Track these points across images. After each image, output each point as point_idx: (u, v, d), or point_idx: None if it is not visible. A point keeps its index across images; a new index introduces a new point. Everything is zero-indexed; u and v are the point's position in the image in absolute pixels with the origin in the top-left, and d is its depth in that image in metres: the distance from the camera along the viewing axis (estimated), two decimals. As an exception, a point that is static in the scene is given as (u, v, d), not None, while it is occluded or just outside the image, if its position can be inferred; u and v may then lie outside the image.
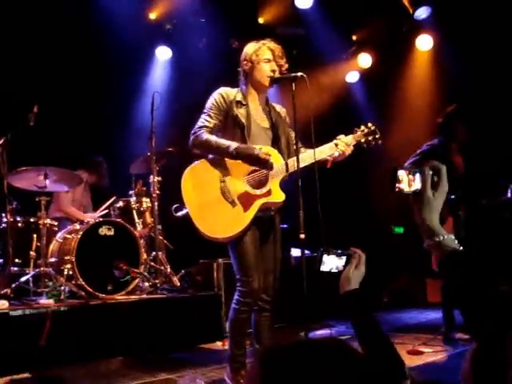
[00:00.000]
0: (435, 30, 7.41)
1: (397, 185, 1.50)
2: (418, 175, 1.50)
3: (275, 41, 3.58)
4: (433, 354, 4.29)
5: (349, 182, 7.86)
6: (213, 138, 3.39)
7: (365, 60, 7.99)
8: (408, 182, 1.50)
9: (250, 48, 3.54)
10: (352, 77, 8.23)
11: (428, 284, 7.41)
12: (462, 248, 1.46)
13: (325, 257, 1.95)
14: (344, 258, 1.93)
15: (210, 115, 3.46)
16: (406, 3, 7.09)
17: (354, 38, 7.92)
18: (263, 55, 3.48)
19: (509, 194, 5.18)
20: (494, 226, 4.93)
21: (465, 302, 1.38)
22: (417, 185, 1.51)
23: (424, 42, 7.60)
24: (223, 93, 3.50)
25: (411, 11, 7.15)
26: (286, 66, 3.52)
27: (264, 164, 3.34)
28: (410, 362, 3.88)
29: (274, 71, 3.46)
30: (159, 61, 7.35)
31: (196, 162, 3.48)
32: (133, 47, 6.58)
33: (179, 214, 4.73)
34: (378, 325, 1.78)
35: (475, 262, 1.40)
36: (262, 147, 3.39)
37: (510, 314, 1.26)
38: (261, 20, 7.22)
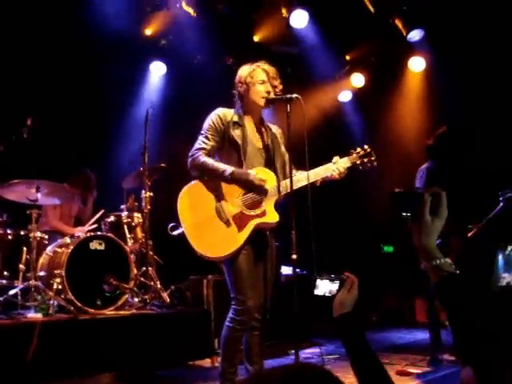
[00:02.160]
0: (428, 51, 7.50)
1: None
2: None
3: (269, 62, 3.63)
4: (421, 375, 4.30)
5: (338, 200, 7.89)
6: (209, 162, 3.43)
7: (358, 80, 8.07)
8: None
9: (244, 70, 3.59)
10: (345, 96, 8.31)
11: (416, 303, 7.43)
12: (458, 272, 1.49)
13: (318, 281, 1.97)
14: (337, 282, 1.96)
15: (207, 137, 3.50)
16: (400, 25, 7.18)
17: (348, 57, 8.00)
18: (258, 77, 3.53)
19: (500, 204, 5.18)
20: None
21: (458, 324, 1.40)
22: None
23: (416, 64, 7.69)
24: (220, 114, 3.54)
25: (404, 33, 7.24)
26: (281, 86, 3.57)
27: (258, 189, 3.39)
28: (399, 382, 3.88)
29: (268, 92, 3.50)
30: (154, 76, 7.38)
31: (192, 183, 3.52)
32: (128, 62, 6.61)
33: (175, 233, 4.74)
34: (370, 348, 1.80)
35: (471, 286, 1.43)
36: (258, 171, 3.43)
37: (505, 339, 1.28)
38: (256, 38, 7.28)
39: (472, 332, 1.36)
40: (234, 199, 3.42)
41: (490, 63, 6.67)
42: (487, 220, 4.83)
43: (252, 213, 3.42)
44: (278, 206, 3.48)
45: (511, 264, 1.61)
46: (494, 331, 1.36)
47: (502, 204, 4.84)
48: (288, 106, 3.38)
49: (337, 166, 3.50)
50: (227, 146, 3.51)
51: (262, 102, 3.51)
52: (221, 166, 3.41)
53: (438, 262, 1.49)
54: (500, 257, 1.61)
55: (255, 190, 3.40)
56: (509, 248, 1.63)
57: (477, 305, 1.40)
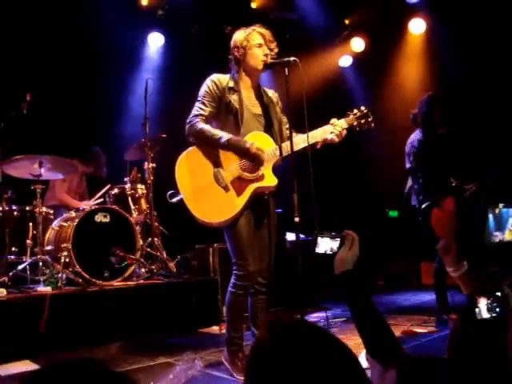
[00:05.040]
0: (427, 13, 7.40)
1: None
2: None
3: (264, 26, 3.59)
4: (426, 334, 4.36)
5: (343, 166, 7.90)
6: (207, 128, 3.42)
7: (357, 44, 8.00)
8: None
9: (240, 35, 3.56)
10: (345, 61, 8.23)
11: (422, 266, 7.48)
12: None
13: (319, 239, 1.99)
14: (338, 239, 1.98)
15: (203, 103, 3.48)
16: (398, -13, 7.08)
17: (347, 22, 7.91)
18: (254, 40, 3.50)
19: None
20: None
21: None
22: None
23: (416, 26, 7.60)
24: (216, 80, 3.52)
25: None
26: (277, 50, 3.53)
27: (254, 158, 3.38)
28: (404, 342, 3.93)
29: (266, 55, 3.48)
30: (152, 47, 7.33)
31: (189, 149, 3.51)
32: (125, 34, 6.55)
33: (174, 200, 4.75)
34: (372, 303, 1.82)
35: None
36: (255, 135, 3.44)
37: None
38: (253, 5, 7.20)
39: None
40: (232, 164, 3.42)
41: (490, 24, 6.59)
42: (480, 180, 4.84)
43: (250, 177, 3.42)
44: (279, 171, 3.49)
45: (502, 222, 1.64)
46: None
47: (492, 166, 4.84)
48: (286, 69, 3.35)
49: (335, 128, 3.49)
50: (224, 112, 3.49)
51: (260, 66, 3.49)
52: (218, 132, 3.40)
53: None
54: (491, 215, 1.63)
55: (251, 158, 3.39)
56: (500, 206, 1.65)
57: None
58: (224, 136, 3.37)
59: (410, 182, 5.03)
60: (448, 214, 1.81)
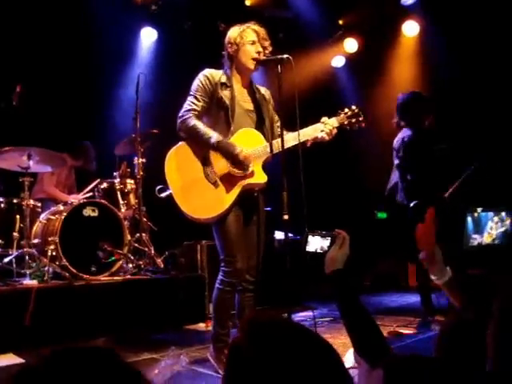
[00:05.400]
0: (421, 16, 7.43)
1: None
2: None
3: (259, 23, 3.58)
4: (411, 335, 4.37)
5: (333, 165, 7.91)
6: (198, 126, 3.40)
7: (351, 45, 8.00)
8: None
9: (234, 31, 3.56)
10: (338, 61, 8.24)
11: (410, 268, 7.50)
12: None
13: (310, 237, 2.00)
14: (329, 238, 1.98)
15: (196, 97, 3.47)
16: (393, -12, 7.10)
17: (341, 22, 7.91)
18: (248, 37, 3.49)
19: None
20: None
21: None
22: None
23: (410, 28, 7.62)
24: (208, 74, 3.51)
25: (398, -3, 7.16)
26: (270, 48, 3.54)
27: (240, 165, 3.38)
28: (390, 342, 3.94)
29: (259, 53, 3.48)
30: (145, 42, 7.30)
31: (179, 144, 3.50)
32: (118, 28, 6.52)
33: (163, 195, 4.72)
34: (361, 303, 1.83)
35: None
36: (245, 132, 3.44)
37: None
38: (248, 2, 7.19)
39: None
40: (222, 160, 3.41)
41: (484, 26, 6.62)
42: (459, 183, 4.89)
43: (240, 173, 3.41)
44: (268, 168, 3.49)
45: (481, 226, 1.65)
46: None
47: (473, 167, 4.87)
48: (279, 66, 3.35)
49: (325, 126, 3.49)
50: (215, 107, 3.49)
51: (252, 64, 3.48)
52: (208, 132, 3.38)
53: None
54: (469, 219, 1.64)
55: (236, 164, 3.39)
56: (478, 210, 1.66)
57: None
58: (214, 137, 3.36)
59: (395, 178, 5.04)
60: (428, 226, 1.81)
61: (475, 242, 1.63)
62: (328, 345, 1.12)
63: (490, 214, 1.55)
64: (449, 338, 1.22)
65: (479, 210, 1.57)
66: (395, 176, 5.01)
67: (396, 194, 4.96)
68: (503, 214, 1.58)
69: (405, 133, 4.84)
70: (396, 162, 4.89)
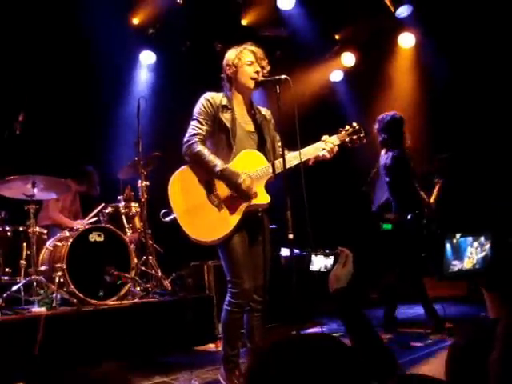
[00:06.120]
0: (417, 27, 7.49)
1: None
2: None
3: (256, 43, 3.63)
4: (423, 347, 4.36)
5: (336, 180, 7.91)
6: (204, 152, 3.42)
7: (348, 59, 8.05)
8: None
9: (231, 53, 3.60)
10: (336, 76, 8.29)
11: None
12: None
13: (313, 257, 2.00)
14: (332, 257, 1.99)
15: (199, 121, 3.49)
16: (388, 2, 7.15)
17: (337, 37, 7.97)
18: (245, 58, 3.53)
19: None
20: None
21: None
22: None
23: (406, 40, 7.67)
24: (210, 98, 3.54)
25: (393, 10, 7.21)
26: (269, 67, 3.57)
27: (243, 195, 3.40)
28: (400, 356, 3.93)
29: (257, 72, 3.51)
30: (143, 65, 7.36)
31: (182, 168, 3.53)
32: (117, 52, 6.58)
33: (167, 219, 4.76)
34: (367, 320, 1.83)
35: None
36: (247, 153, 3.47)
37: None
38: (244, 22, 7.25)
39: None
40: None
41: (478, 37, 6.68)
42: (438, 189, 5.49)
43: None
44: (272, 188, 3.50)
45: (460, 251, 1.66)
46: None
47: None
48: (277, 87, 3.39)
49: (326, 144, 3.51)
50: (217, 130, 3.51)
51: (251, 84, 3.51)
52: (213, 159, 3.39)
53: None
54: (448, 246, 1.64)
55: (239, 194, 3.41)
56: (457, 236, 1.66)
57: None
58: (218, 165, 3.38)
59: (385, 195, 5.31)
60: None
61: (455, 268, 1.65)
62: (348, 347, 1.13)
63: (469, 239, 1.58)
64: (460, 360, 1.21)
65: (458, 235, 1.59)
66: (384, 193, 5.21)
67: (386, 210, 5.19)
68: (482, 238, 1.61)
69: (391, 151, 5.05)
70: (387, 179, 5.07)
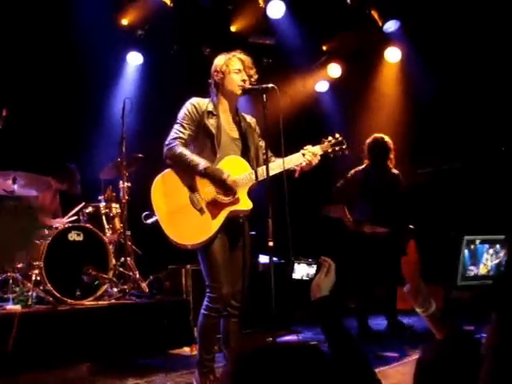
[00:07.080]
0: (403, 42, 7.57)
1: None
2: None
3: (245, 52, 3.66)
4: (398, 357, 4.40)
5: (318, 191, 7.94)
6: (186, 153, 3.44)
7: (334, 70, 8.10)
8: None
9: (220, 59, 3.62)
10: (321, 86, 8.34)
11: (398, 291, 7.50)
12: None
13: (296, 265, 2.03)
14: (314, 266, 2.01)
15: (183, 125, 3.51)
16: (376, 16, 7.24)
17: (324, 48, 8.03)
18: (233, 65, 3.56)
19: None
20: None
21: None
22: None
23: (392, 54, 7.75)
24: (195, 103, 3.56)
25: (380, 24, 7.30)
26: (256, 76, 3.61)
27: (228, 190, 3.43)
28: (376, 365, 3.96)
29: (244, 81, 3.54)
30: (130, 66, 7.34)
31: (165, 171, 3.54)
32: (104, 52, 6.56)
33: (149, 221, 4.76)
34: (347, 330, 1.85)
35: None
36: (230, 159, 3.50)
37: None
38: (233, 28, 7.27)
39: None
40: (208, 187, 3.45)
41: (466, 53, 6.78)
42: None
43: (225, 200, 3.46)
44: (254, 195, 3.53)
45: (477, 257, 1.69)
46: None
47: None
48: (264, 95, 3.42)
49: (307, 154, 3.56)
50: (202, 136, 3.53)
51: (238, 91, 3.54)
52: (195, 159, 3.42)
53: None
54: (466, 251, 1.68)
55: (224, 189, 3.43)
56: (476, 242, 1.70)
57: None
58: (201, 164, 3.40)
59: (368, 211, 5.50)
60: (411, 258, 1.86)
61: (471, 273, 1.68)
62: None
63: (486, 246, 1.62)
64: (428, 373, 1.24)
65: (477, 242, 1.62)
66: (367, 210, 5.43)
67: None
68: (498, 246, 1.65)
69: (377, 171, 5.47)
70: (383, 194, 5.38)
